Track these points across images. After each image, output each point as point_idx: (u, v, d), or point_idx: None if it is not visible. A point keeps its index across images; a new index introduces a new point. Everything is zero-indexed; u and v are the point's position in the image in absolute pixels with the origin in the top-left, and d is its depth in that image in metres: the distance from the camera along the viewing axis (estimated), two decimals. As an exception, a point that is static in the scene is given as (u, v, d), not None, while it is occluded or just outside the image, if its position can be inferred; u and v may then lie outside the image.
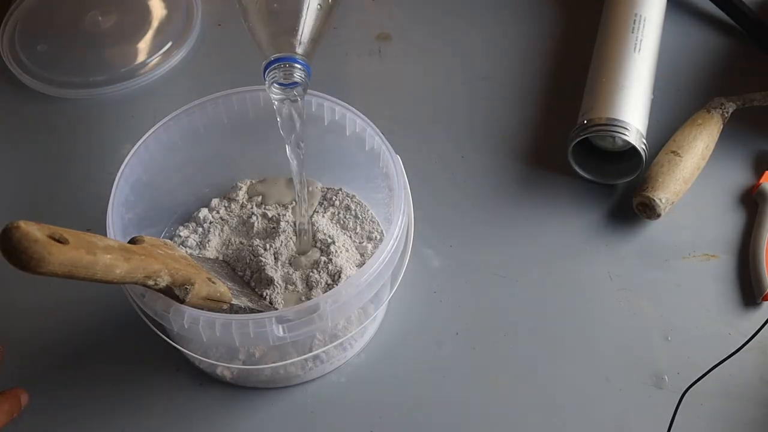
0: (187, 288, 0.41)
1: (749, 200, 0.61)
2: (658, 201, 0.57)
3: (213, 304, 0.43)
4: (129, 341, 0.54)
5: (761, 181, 0.60)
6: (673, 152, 0.59)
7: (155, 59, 0.71)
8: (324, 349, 0.49)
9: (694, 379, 0.49)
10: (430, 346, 0.54)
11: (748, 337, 0.49)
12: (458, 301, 0.56)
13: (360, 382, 0.52)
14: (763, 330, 0.49)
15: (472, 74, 0.71)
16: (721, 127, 0.62)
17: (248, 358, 0.50)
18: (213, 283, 0.44)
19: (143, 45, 0.73)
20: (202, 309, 0.42)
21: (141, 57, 0.72)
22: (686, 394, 0.48)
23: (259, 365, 0.49)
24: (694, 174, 0.59)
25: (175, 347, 0.48)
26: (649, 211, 0.58)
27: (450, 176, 0.63)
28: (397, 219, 0.46)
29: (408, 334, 0.54)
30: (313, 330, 0.44)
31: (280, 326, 0.43)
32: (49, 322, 0.55)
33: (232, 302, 0.45)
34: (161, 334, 0.48)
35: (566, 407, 0.51)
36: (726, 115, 0.62)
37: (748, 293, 0.56)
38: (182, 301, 0.41)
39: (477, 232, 0.59)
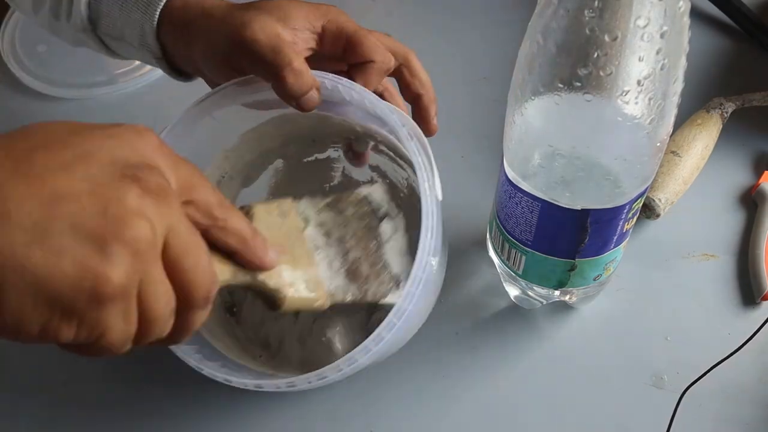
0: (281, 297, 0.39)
1: (748, 200, 0.61)
2: (657, 201, 0.57)
3: (305, 305, 0.41)
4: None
5: (760, 181, 0.60)
6: (673, 152, 0.59)
7: (155, 59, 0.71)
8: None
9: (694, 379, 0.49)
10: (430, 346, 0.54)
11: (748, 337, 0.49)
12: (458, 301, 0.56)
13: (360, 381, 0.52)
14: (762, 330, 0.49)
15: (472, 74, 0.71)
16: (721, 127, 0.62)
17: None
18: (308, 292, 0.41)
19: (143, 45, 0.73)
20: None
21: (141, 57, 0.72)
22: (686, 394, 0.48)
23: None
24: (694, 174, 0.59)
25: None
26: (648, 211, 0.58)
27: (450, 176, 0.63)
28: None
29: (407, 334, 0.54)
30: (398, 342, 0.43)
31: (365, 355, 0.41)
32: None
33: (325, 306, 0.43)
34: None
35: (566, 407, 0.51)
36: (725, 115, 0.62)
37: (747, 293, 0.56)
38: (277, 308, 0.39)
39: (477, 232, 0.59)
